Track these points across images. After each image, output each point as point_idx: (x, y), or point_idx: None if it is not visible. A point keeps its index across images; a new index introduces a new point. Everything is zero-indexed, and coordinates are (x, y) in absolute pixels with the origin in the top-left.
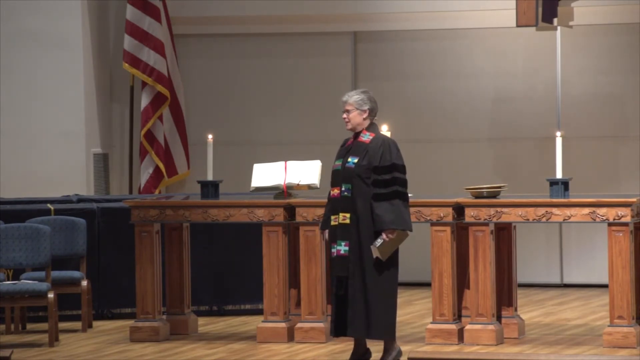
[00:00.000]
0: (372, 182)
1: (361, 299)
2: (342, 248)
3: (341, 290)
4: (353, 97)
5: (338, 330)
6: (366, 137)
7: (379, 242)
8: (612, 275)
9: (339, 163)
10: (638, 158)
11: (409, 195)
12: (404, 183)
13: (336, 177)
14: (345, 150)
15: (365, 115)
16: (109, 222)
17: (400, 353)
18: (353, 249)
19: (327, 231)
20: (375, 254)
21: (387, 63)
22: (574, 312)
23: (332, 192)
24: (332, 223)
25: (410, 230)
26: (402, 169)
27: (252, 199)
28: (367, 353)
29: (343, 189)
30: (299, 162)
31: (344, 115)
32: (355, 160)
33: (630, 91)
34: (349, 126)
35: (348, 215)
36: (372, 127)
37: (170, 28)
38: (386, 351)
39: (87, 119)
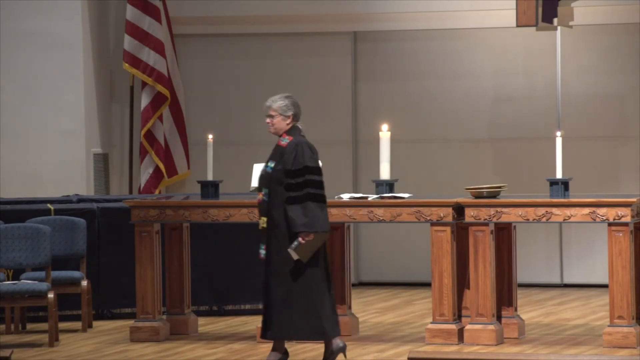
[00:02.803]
0: (284, 186)
1: (281, 302)
2: (262, 252)
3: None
4: (277, 103)
5: (263, 332)
6: (284, 140)
7: (294, 244)
8: (612, 275)
9: (264, 167)
10: (638, 158)
11: (408, 195)
12: (317, 185)
13: (260, 181)
14: (270, 154)
15: (288, 121)
16: (109, 222)
17: (334, 353)
18: (272, 253)
19: None
20: (294, 256)
21: (387, 63)
22: (574, 312)
23: (257, 197)
24: (261, 226)
25: (326, 231)
26: (315, 171)
27: (252, 199)
28: (285, 354)
29: (264, 193)
30: None
31: (268, 120)
32: (273, 165)
33: (630, 91)
34: (272, 130)
35: (265, 219)
36: (292, 130)
37: (170, 28)
38: (326, 349)
39: (87, 119)
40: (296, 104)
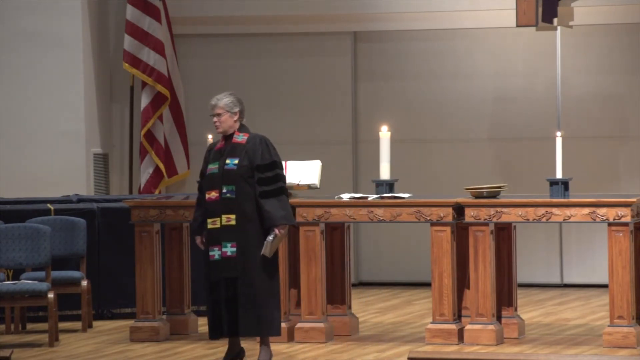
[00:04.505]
0: (256, 181)
1: (253, 299)
2: (229, 250)
3: (230, 291)
4: (223, 101)
5: (231, 331)
6: (240, 137)
7: (271, 237)
8: (612, 275)
9: (214, 166)
10: (638, 158)
11: (408, 195)
12: (285, 179)
13: (214, 180)
14: (219, 153)
15: (236, 118)
16: (109, 222)
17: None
18: (241, 250)
19: (200, 236)
20: (266, 250)
21: (387, 63)
22: (574, 312)
23: (208, 196)
24: (211, 226)
25: (294, 225)
26: (281, 165)
27: None
28: (242, 352)
29: (224, 190)
30: (299, 162)
31: (215, 119)
32: (236, 162)
33: (630, 91)
34: (220, 129)
35: (233, 216)
36: (243, 127)
37: (170, 28)
38: (266, 346)
39: (87, 119)
40: (241, 101)
